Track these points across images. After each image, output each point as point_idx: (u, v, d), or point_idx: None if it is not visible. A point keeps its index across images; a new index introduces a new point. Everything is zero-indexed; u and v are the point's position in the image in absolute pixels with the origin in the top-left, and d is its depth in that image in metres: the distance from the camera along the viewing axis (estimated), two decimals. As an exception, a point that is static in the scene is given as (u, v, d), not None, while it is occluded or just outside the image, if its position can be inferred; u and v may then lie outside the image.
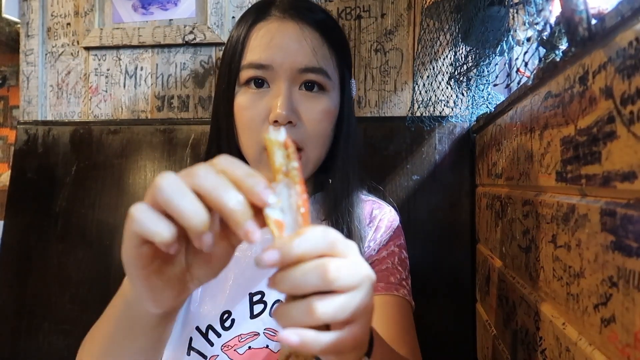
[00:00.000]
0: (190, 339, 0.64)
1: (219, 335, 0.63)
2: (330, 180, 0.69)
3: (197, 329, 0.64)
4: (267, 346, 0.63)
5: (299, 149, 0.63)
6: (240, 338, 0.63)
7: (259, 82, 0.63)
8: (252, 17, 0.66)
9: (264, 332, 0.64)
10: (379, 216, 0.73)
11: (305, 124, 0.63)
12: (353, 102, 0.72)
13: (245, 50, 0.64)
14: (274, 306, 0.64)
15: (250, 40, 0.64)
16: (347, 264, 0.33)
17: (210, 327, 0.64)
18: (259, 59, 0.62)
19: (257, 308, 0.64)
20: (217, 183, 0.32)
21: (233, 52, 0.66)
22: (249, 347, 0.63)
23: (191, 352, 0.63)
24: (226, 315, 0.64)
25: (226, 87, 0.66)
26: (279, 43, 0.62)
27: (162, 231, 0.31)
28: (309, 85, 0.64)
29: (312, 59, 0.63)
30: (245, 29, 0.65)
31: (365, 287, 0.34)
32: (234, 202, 0.31)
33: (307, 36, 0.63)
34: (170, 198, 0.31)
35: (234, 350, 0.63)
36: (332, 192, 0.69)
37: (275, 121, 0.61)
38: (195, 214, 0.31)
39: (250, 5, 1.13)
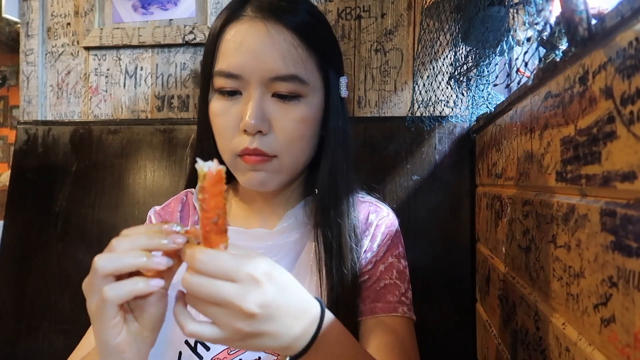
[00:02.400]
0: (180, 353, 0.61)
1: (207, 348, 0.62)
2: (317, 190, 0.65)
3: (186, 342, 0.62)
4: (260, 358, 0.61)
5: (272, 157, 0.61)
6: (229, 351, 0.61)
7: (231, 92, 0.61)
8: (225, 16, 0.62)
9: None
10: (375, 222, 0.69)
11: (277, 132, 0.60)
12: (345, 100, 0.69)
13: (216, 54, 0.62)
14: None
15: (221, 43, 0.61)
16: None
17: (198, 341, 0.62)
18: (228, 67, 0.60)
19: None
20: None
21: (207, 54, 0.64)
22: None
23: None
24: None
25: (203, 93, 0.65)
26: (248, 49, 0.59)
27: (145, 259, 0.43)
28: (282, 94, 0.61)
29: (282, 65, 0.59)
30: (217, 28, 0.62)
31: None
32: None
33: (275, 40, 0.59)
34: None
35: None
36: (319, 201, 0.65)
37: (245, 130, 0.59)
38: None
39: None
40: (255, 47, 0.59)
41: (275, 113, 0.60)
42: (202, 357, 0.61)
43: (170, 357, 0.61)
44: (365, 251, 0.67)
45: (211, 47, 0.63)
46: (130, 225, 0.77)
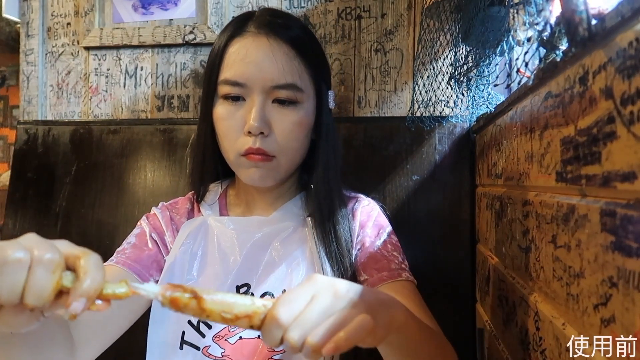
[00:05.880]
0: (183, 333, 0.66)
1: (209, 326, 0.66)
2: (312, 185, 0.73)
3: (189, 322, 0.67)
4: (259, 336, 0.66)
5: (272, 157, 0.67)
6: (229, 328, 0.66)
7: (235, 97, 0.68)
8: (230, 32, 0.69)
9: None
10: (359, 209, 0.76)
11: (276, 134, 0.67)
12: (331, 111, 0.76)
13: (222, 65, 0.68)
14: (264, 297, 0.67)
15: (226, 55, 0.68)
16: None
17: (201, 319, 0.66)
18: (234, 77, 0.67)
19: None
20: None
21: (212, 65, 0.70)
22: (240, 337, 0.66)
23: (184, 345, 0.66)
24: None
25: (206, 99, 0.71)
26: (252, 60, 0.66)
27: None
28: (281, 100, 0.68)
29: (282, 75, 0.66)
30: (223, 42, 0.69)
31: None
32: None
33: (276, 53, 0.66)
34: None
35: (225, 340, 0.66)
36: (315, 195, 0.72)
37: (249, 132, 0.65)
38: None
39: (250, 6, 1.14)
40: (259, 59, 0.66)
41: (275, 117, 0.67)
42: (205, 335, 0.66)
43: (174, 339, 0.66)
44: (357, 235, 0.74)
45: (216, 59, 0.69)
46: (130, 225, 0.78)
